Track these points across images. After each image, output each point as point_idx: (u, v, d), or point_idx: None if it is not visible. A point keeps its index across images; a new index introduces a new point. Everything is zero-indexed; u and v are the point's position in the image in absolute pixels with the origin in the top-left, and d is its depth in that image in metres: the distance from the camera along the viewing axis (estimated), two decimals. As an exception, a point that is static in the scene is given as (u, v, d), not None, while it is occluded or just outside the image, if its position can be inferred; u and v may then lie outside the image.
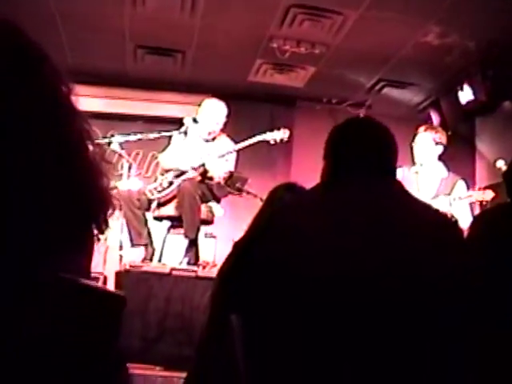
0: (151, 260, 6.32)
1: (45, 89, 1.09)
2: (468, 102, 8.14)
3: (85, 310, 1.07)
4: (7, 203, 0.97)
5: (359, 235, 2.08)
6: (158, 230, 6.65)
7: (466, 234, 2.80)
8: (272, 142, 6.58)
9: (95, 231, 1.16)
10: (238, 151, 6.66)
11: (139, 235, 6.31)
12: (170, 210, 6.46)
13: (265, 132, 6.60)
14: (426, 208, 2.35)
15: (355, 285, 2.01)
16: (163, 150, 6.96)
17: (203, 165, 6.37)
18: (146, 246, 6.35)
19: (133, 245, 6.34)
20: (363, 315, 1.99)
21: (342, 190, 2.26)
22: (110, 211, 1.18)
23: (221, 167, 6.44)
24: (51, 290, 1.02)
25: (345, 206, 2.18)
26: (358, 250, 2.05)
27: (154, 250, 6.41)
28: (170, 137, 6.89)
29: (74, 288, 1.07)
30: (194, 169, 6.39)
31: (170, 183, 6.47)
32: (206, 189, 6.45)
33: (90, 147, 1.16)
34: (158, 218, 6.59)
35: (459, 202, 6.20)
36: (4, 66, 1.05)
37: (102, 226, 1.17)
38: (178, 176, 6.47)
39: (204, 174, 6.41)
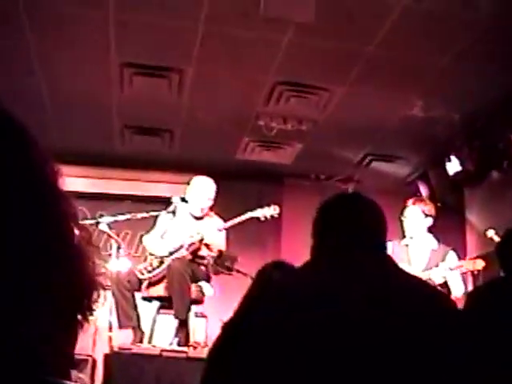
0: (140, 343, 6.21)
1: (31, 174, 1.07)
2: (456, 173, 8.17)
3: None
4: None
5: (352, 307, 2.04)
6: (148, 310, 6.57)
7: (460, 305, 2.79)
8: (262, 219, 6.57)
9: (79, 317, 1.12)
10: (228, 229, 6.62)
11: (127, 317, 6.22)
12: (159, 290, 6.39)
13: (254, 209, 6.60)
14: (418, 281, 2.32)
15: (351, 361, 1.97)
16: (148, 231, 6.91)
17: (201, 239, 6.33)
18: (133, 328, 6.25)
19: (121, 327, 6.25)
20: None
21: (333, 266, 2.23)
22: (94, 297, 1.15)
23: (219, 241, 6.43)
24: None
25: (337, 280, 2.15)
26: (346, 327, 2.01)
27: (142, 333, 6.31)
28: (156, 217, 6.86)
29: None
30: (188, 246, 6.34)
31: (161, 262, 6.41)
32: (197, 268, 6.39)
33: (76, 231, 1.13)
34: (148, 299, 6.50)
35: (450, 273, 6.17)
36: None
37: (86, 312, 1.12)
38: (168, 255, 6.41)
39: (195, 252, 6.36)
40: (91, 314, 1.14)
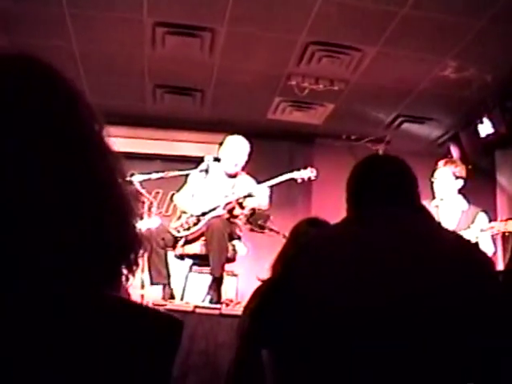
0: (171, 299, 6.29)
1: (80, 127, 1.10)
2: (488, 135, 8.09)
3: (139, 331, 1.07)
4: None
5: (388, 267, 2.06)
6: (180, 268, 6.63)
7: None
8: (299, 181, 6.63)
9: (125, 271, 1.15)
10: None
11: (159, 273, 6.29)
12: (195, 247, 6.44)
13: (286, 169, 6.63)
14: (458, 238, 2.33)
15: (391, 318, 1.98)
16: (179, 189, 6.95)
17: (249, 195, 6.38)
18: (164, 285, 6.33)
19: (152, 283, 6.32)
20: (398, 344, 1.97)
21: (368, 223, 2.24)
22: (140, 251, 1.17)
23: (265, 198, 6.48)
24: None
25: (376, 236, 2.16)
26: (389, 281, 2.03)
27: (172, 290, 6.38)
28: (187, 176, 6.89)
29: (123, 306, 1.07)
30: (225, 205, 6.38)
31: (198, 221, 6.45)
32: (232, 227, 6.43)
33: (124, 185, 1.16)
34: (181, 257, 6.57)
35: (481, 234, 6.16)
36: (40, 103, 1.06)
37: (133, 266, 1.15)
38: (204, 214, 6.45)
39: (231, 211, 6.41)
40: (137, 269, 1.17)
